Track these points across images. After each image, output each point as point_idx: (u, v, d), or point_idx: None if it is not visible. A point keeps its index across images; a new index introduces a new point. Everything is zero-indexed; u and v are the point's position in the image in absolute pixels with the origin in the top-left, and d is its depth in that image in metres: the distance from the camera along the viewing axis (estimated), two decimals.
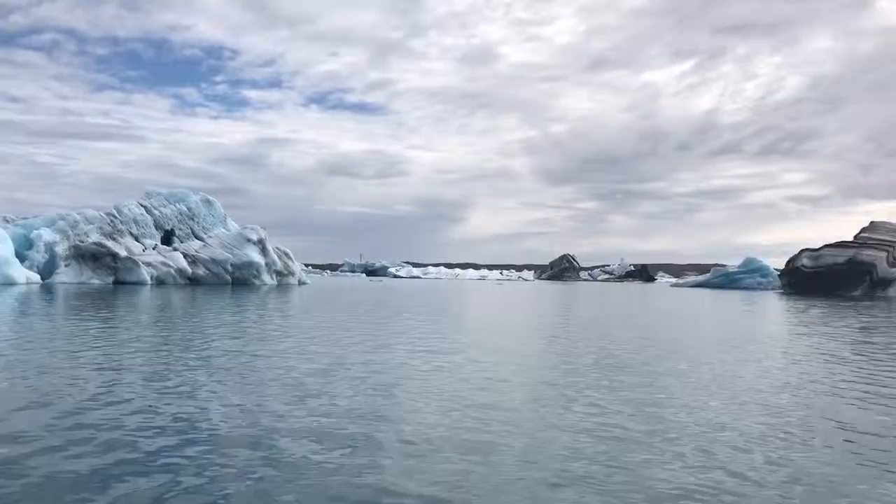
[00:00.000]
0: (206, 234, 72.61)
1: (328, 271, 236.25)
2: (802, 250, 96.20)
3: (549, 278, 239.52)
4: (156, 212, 70.68)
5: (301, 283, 78.34)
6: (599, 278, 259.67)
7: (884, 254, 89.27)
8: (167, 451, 8.02)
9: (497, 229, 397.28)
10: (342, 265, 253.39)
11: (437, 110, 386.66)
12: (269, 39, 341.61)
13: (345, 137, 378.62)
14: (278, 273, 74.81)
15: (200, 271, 68.20)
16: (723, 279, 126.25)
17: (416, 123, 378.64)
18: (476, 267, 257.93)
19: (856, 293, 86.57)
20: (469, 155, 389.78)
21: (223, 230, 73.76)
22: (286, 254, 77.32)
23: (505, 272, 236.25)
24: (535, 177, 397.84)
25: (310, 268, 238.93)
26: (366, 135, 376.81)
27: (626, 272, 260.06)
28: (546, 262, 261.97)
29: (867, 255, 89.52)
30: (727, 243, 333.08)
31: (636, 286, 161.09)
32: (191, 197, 73.51)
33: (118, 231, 66.13)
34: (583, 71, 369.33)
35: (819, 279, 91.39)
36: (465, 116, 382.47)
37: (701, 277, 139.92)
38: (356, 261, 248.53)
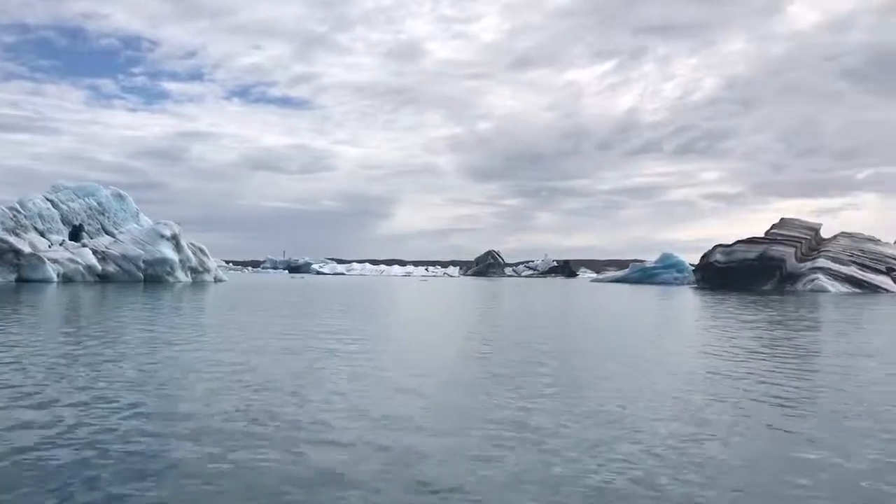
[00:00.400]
0: (117, 229, 70.04)
1: (249, 268, 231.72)
2: (716, 246, 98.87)
3: (474, 274, 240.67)
4: (63, 206, 67.79)
5: (217, 280, 76.41)
6: (523, 274, 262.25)
7: (792, 249, 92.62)
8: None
9: (423, 225, 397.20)
10: (264, 262, 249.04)
11: (362, 105, 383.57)
12: (190, 31, 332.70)
13: (268, 132, 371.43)
14: (193, 270, 72.74)
15: (111, 268, 65.67)
16: (640, 274, 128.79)
17: (342, 118, 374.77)
18: (402, 263, 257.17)
19: (766, 287, 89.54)
20: (395, 151, 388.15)
21: (135, 226, 71.30)
22: (201, 250, 75.27)
23: (430, 269, 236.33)
24: (461, 173, 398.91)
25: (230, 264, 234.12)
26: (290, 129, 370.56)
27: (550, 268, 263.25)
28: (472, 258, 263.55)
29: (777, 250, 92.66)
30: (647, 239, 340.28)
31: (558, 281, 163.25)
32: (101, 191, 70.82)
33: (21, 226, 63.07)
34: (507, 69, 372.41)
35: (731, 274, 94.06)
36: (390, 112, 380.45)
37: (620, 273, 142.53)
38: (279, 257, 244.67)
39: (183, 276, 70.56)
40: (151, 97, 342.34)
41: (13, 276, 59.14)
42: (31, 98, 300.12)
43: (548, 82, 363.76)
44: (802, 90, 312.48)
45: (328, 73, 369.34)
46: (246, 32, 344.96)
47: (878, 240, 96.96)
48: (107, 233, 69.34)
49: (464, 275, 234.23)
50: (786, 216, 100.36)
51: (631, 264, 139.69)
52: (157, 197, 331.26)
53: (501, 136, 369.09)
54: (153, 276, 67.57)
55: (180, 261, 70.50)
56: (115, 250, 66.83)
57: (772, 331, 26.53)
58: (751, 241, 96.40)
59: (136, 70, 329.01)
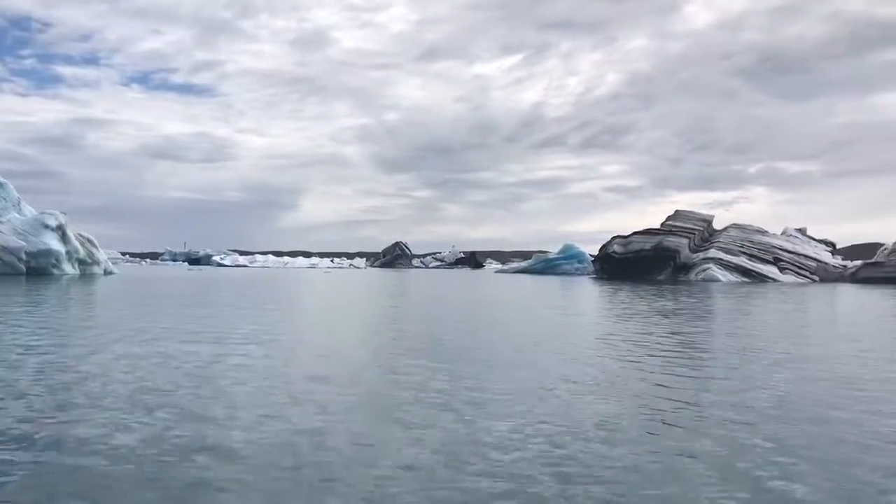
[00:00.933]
0: None
1: (147, 260, 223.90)
2: (614, 237, 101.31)
3: (381, 266, 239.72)
4: None
5: (107, 272, 73.24)
6: (431, 265, 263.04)
7: (686, 240, 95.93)
8: None
9: (331, 217, 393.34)
10: (163, 254, 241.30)
11: (267, 94, 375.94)
12: (86, 13, 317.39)
13: (169, 119, 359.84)
14: (81, 262, 69.45)
15: None
16: (543, 265, 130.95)
17: (246, 107, 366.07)
18: (307, 255, 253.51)
19: (661, 277, 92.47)
20: (301, 140, 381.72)
21: (16, 215, 67.39)
22: (90, 241, 71.96)
23: (336, 260, 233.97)
24: (370, 164, 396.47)
25: (127, 256, 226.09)
26: (192, 117, 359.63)
27: (457, 259, 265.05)
28: (380, 249, 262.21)
29: (671, 241, 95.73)
30: (551, 231, 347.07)
31: (464, 272, 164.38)
32: None
33: None
34: (416, 60, 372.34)
35: (628, 264, 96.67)
36: (297, 101, 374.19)
37: (523, 263, 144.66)
38: (178, 249, 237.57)
39: (70, 269, 67.24)
40: (43, 81, 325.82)
41: None
42: None
43: (456, 74, 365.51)
44: (699, 87, 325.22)
45: (232, 60, 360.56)
46: (146, 16, 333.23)
47: (766, 231, 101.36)
48: None
49: (371, 266, 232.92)
50: (681, 208, 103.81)
51: (534, 255, 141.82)
52: (51, 186, 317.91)
53: (410, 128, 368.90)
54: (37, 269, 64.09)
55: (67, 252, 67.16)
56: None
57: (659, 318, 27.13)
58: (647, 232, 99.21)
59: (25, 52, 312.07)
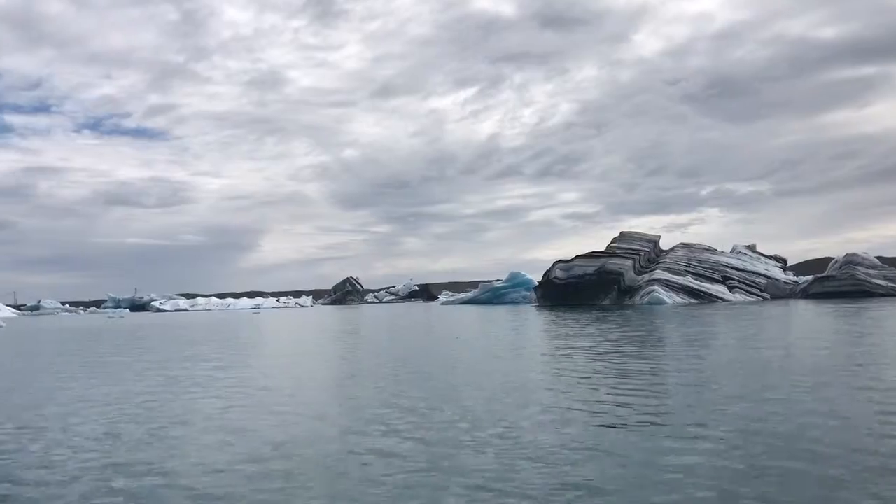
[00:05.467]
0: None
1: (84, 309, 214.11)
2: (555, 262, 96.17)
3: (332, 303, 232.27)
4: None
5: None
6: (385, 300, 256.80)
7: (631, 262, 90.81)
8: None
9: (292, 255, 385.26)
10: (106, 301, 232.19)
11: (224, 135, 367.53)
12: (34, 61, 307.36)
13: (123, 164, 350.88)
14: None
15: None
16: (490, 294, 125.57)
17: (202, 149, 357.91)
18: (263, 295, 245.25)
19: (605, 302, 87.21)
20: (260, 181, 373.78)
21: None
22: None
23: (283, 299, 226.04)
24: (329, 201, 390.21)
25: (67, 305, 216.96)
26: (147, 162, 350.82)
27: (410, 292, 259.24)
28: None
29: (615, 264, 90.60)
30: (512, 259, 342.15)
31: (414, 306, 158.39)
32: None
33: None
34: (371, 97, 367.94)
35: (572, 290, 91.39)
36: (254, 142, 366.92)
37: (469, 294, 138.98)
38: (123, 295, 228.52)
39: None
40: None
41: None
42: None
43: (412, 109, 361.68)
44: (649, 113, 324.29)
45: (186, 102, 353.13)
46: (97, 62, 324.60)
47: (715, 249, 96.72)
48: None
49: (320, 304, 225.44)
50: (625, 230, 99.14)
51: (480, 285, 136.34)
52: (4, 237, 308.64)
53: (368, 163, 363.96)
54: None
55: None
56: None
57: (571, 351, 21.39)
58: (590, 255, 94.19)
59: None
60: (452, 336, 35.52)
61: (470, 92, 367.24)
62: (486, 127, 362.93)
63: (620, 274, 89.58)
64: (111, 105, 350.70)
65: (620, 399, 14.06)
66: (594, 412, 12.69)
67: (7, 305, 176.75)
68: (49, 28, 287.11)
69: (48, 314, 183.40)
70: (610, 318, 48.58)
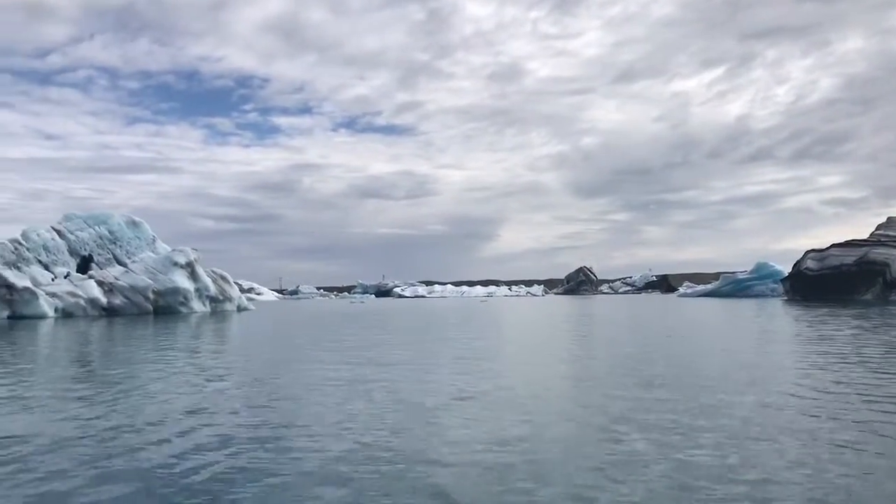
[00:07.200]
0: (129, 258, 66.07)
1: (336, 293, 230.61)
2: (807, 252, 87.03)
3: (565, 293, 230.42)
4: (70, 236, 64.36)
5: (241, 308, 71.46)
6: (620, 290, 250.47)
7: None
8: None
9: (529, 245, 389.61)
10: (355, 287, 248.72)
11: (466, 129, 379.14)
12: (298, 66, 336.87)
13: (375, 160, 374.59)
14: (212, 299, 67.93)
15: (117, 301, 61.47)
16: (732, 286, 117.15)
17: (446, 143, 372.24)
18: (497, 284, 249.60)
19: (866, 296, 77.35)
20: (499, 172, 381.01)
21: (150, 254, 67.19)
22: (223, 277, 70.58)
23: (514, 288, 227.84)
24: (567, 190, 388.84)
25: (321, 290, 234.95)
26: (395, 157, 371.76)
27: (647, 283, 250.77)
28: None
29: (880, 253, 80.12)
30: (763, 250, 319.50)
31: (644, 297, 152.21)
32: (113, 218, 67.15)
33: (23, 259, 59.83)
34: (611, 83, 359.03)
35: (826, 282, 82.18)
36: (494, 133, 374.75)
37: (709, 286, 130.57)
38: (370, 282, 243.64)
39: (199, 306, 65.85)
40: (263, 132, 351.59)
41: (6, 313, 55.62)
42: (153, 140, 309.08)
43: (654, 93, 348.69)
44: None
45: (431, 99, 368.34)
46: (352, 65, 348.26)
47: None
48: (119, 262, 65.45)
49: (552, 294, 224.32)
50: (894, 215, 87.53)
51: (721, 276, 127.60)
52: (272, 228, 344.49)
53: (607, 151, 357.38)
54: (165, 308, 63.06)
55: (196, 290, 65.80)
56: (124, 281, 62.72)
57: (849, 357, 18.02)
58: (848, 244, 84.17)
59: (248, 107, 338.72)
60: (665, 335, 32.16)
61: (717, 72, 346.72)
62: (735, 108, 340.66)
63: (886, 265, 78.94)
64: (364, 104, 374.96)
65: None
66: None
67: (272, 290, 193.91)
68: (311, 35, 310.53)
69: (305, 298, 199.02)
70: (878, 316, 42.23)
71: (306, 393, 14.91)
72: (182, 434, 10.81)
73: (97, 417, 12.25)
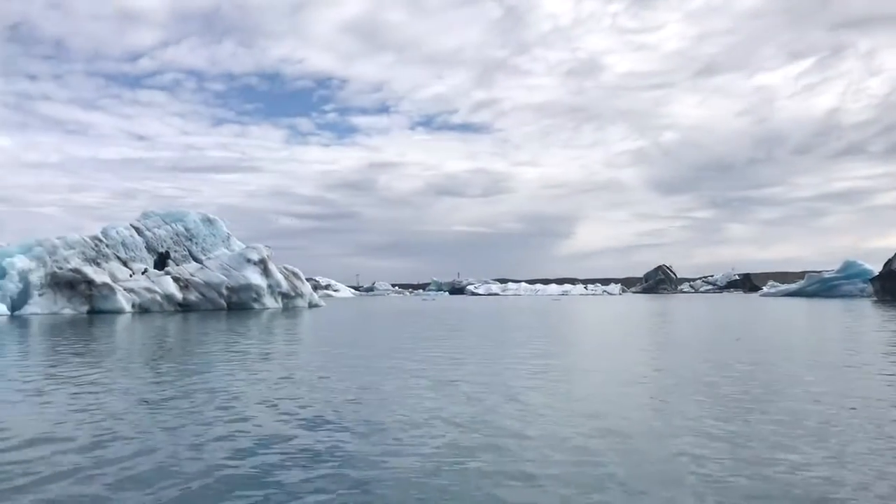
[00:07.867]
0: (205, 255, 67.40)
1: (410, 290, 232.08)
2: None
3: (643, 291, 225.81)
4: (148, 233, 66.04)
5: (312, 305, 72.05)
6: (701, 290, 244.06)
7: None
8: None
9: (607, 243, 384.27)
10: (429, 284, 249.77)
11: (542, 125, 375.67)
12: (376, 66, 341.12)
13: (450, 158, 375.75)
14: (284, 295, 68.68)
15: (192, 297, 62.72)
16: (818, 286, 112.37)
17: (522, 140, 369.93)
18: (573, 282, 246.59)
19: None
20: (576, 169, 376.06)
21: (225, 251, 68.40)
22: (295, 274, 71.28)
23: (590, 286, 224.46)
24: (646, 187, 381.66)
25: (396, 287, 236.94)
26: (471, 154, 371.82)
27: (729, 282, 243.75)
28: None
29: None
30: (854, 248, 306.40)
31: (726, 296, 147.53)
32: (189, 216, 68.66)
33: (103, 255, 61.64)
34: (692, 77, 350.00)
35: None
36: (571, 130, 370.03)
37: (794, 285, 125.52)
38: (444, 279, 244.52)
39: (272, 303, 66.64)
40: (342, 132, 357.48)
41: (85, 308, 57.36)
42: (238, 140, 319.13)
43: (737, 87, 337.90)
44: None
45: (508, 96, 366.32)
46: (430, 64, 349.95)
47: None
48: (195, 259, 66.86)
49: (630, 292, 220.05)
50: None
51: (806, 275, 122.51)
52: (350, 226, 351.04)
53: (688, 146, 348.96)
54: (238, 304, 64.06)
55: (269, 286, 66.64)
56: (200, 277, 63.95)
57: None
58: None
59: (327, 107, 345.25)
60: (734, 337, 30.48)
61: (804, 64, 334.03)
62: (824, 101, 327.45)
63: None
64: (441, 103, 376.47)
65: None
66: None
67: (349, 287, 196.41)
68: (389, 35, 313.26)
69: (380, 295, 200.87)
70: None
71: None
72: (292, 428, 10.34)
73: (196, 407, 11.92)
